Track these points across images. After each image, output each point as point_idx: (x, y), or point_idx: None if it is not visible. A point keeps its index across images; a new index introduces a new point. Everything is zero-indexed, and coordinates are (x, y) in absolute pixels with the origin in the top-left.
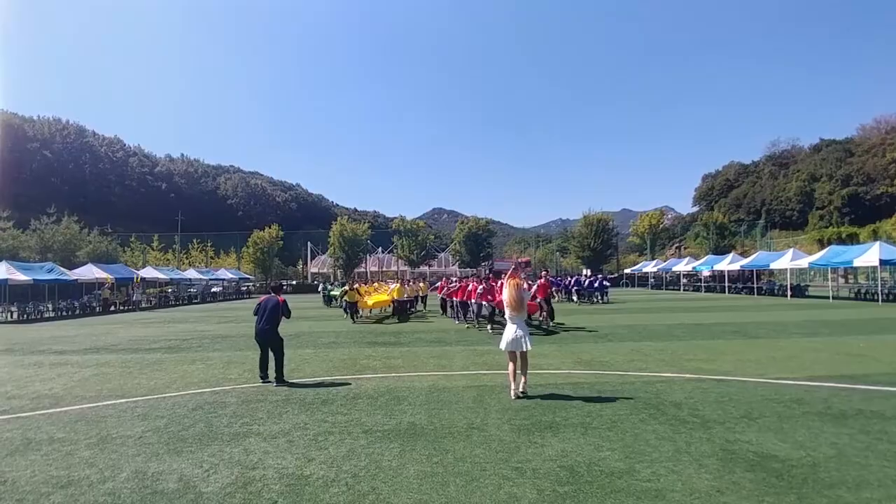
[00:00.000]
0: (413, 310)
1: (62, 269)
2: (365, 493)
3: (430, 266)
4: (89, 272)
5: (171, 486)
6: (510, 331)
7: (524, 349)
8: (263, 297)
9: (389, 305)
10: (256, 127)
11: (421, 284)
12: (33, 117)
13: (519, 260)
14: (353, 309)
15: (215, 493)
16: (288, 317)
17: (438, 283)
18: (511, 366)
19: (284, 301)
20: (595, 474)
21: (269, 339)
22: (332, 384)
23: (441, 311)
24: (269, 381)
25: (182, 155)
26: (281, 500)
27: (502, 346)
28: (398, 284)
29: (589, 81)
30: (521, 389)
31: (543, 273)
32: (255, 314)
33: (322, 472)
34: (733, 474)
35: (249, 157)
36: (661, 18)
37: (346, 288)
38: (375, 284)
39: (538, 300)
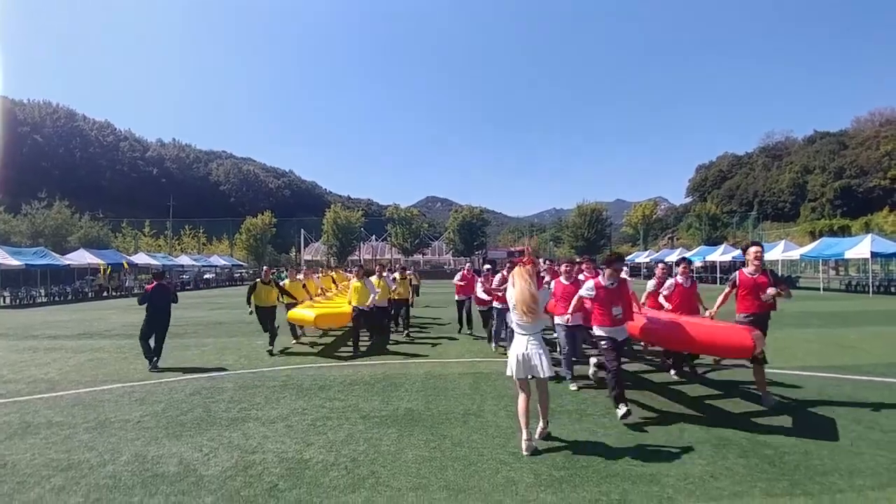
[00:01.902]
0: (398, 325)
1: (54, 254)
2: (364, 476)
3: (423, 254)
4: (81, 257)
5: (172, 470)
6: (519, 346)
7: (541, 375)
8: (152, 284)
9: (347, 323)
10: (249, 113)
11: (396, 276)
12: (23, 101)
13: (512, 249)
14: (265, 321)
15: (216, 476)
16: (176, 302)
17: (459, 275)
18: (522, 399)
19: (173, 287)
20: (591, 459)
21: (166, 324)
22: (329, 370)
23: (462, 326)
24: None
25: (173, 140)
26: (281, 483)
27: (509, 370)
28: (355, 279)
29: (585, 75)
30: (538, 436)
31: (551, 263)
32: (146, 301)
33: (321, 456)
34: (726, 460)
35: (242, 143)
36: (657, 14)
37: (259, 280)
38: (332, 273)
39: (743, 316)
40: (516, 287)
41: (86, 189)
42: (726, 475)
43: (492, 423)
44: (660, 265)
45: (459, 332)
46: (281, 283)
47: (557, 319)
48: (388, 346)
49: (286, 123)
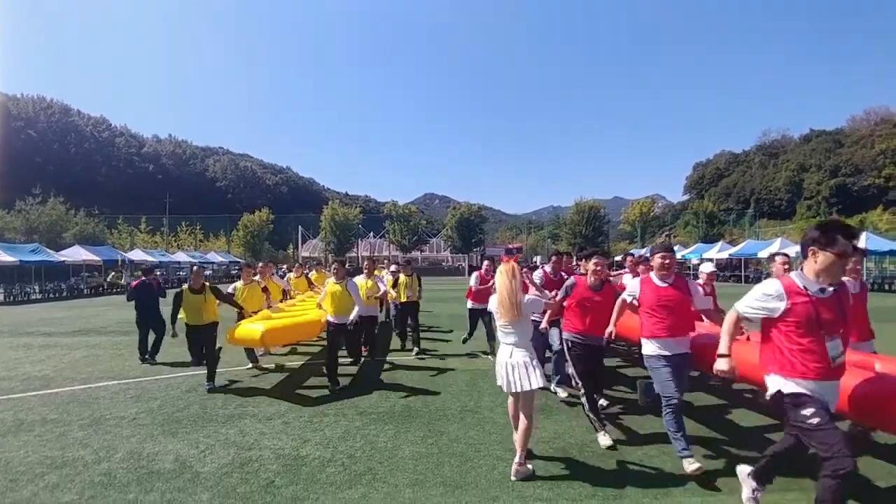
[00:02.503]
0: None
1: (48, 250)
2: (361, 472)
3: (421, 251)
4: (76, 254)
5: (168, 467)
6: (503, 355)
7: (522, 388)
8: (137, 281)
9: (314, 336)
10: (247, 109)
11: (388, 273)
12: (17, 95)
13: (510, 246)
14: (197, 345)
15: (212, 472)
16: (164, 297)
17: (474, 276)
18: (511, 404)
19: (159, 283)
20: (586, 455)
21: (157, 319)
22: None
23: (470, 337)
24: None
25: (170, 135)
26: (278, 480)
27: (496, 379)
28: (333, 280)
29: (584, 73)
30: (513, 475)
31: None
32: (132, 299)
33: (318, 452)
34: (723, 456)
35: (239, 139)
36: (657, 10)
37: (186, 288)
38: (313, 273)
39: None
40: (497, 285)
41: (81, 185)
42: (723, 470)
43: (489, 419)
44: (778, 258)
45: (465, 341)
46: (230, 289)
47: (655, 347)
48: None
49: (284, 120)
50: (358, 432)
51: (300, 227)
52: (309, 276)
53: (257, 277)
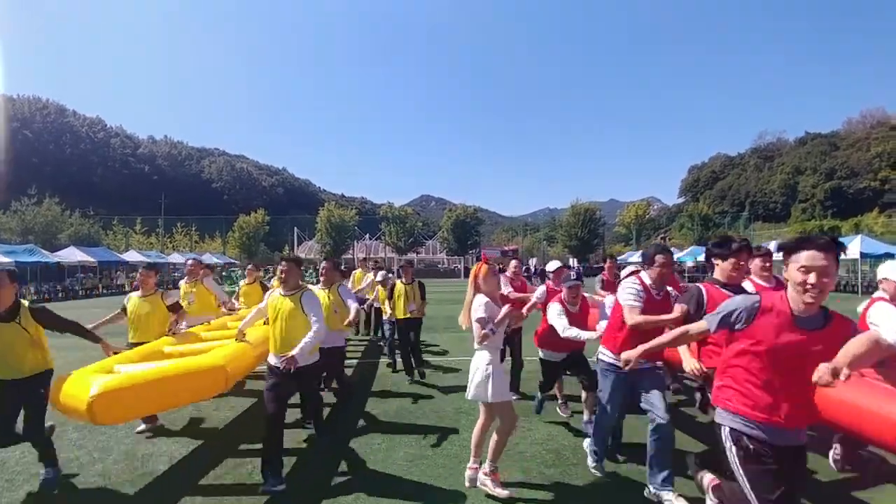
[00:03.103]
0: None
1: (44, 251)
2: (355, 474)
3: (417, 253)
4: (71, 255)
5: (162, 468)
6: (471, 365)
7: (478, 397)
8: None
9: (214, 394)
10: (243, 110)
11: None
12: (13, 96)
13: (505, 248)
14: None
15: (206, 474)
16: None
17: (544, 289)
18: (479, 421)
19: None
20: (580, 457)
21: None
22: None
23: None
24: None
25: (165, 136)
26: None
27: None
28: (281, 291)
29: (585, 72)
30: (483, 468)
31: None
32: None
33: (312, 454)
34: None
35: (235, 140)
36: (657, 10)
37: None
38: (275, 281)
39: None
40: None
41: (76, 186)
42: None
43: None
44: None
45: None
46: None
47: None
48: (380, 345)
49: (281, 121)
50: (352, 434)
51: (296, 228)
52: (269, 283)
53: (183, 284)
